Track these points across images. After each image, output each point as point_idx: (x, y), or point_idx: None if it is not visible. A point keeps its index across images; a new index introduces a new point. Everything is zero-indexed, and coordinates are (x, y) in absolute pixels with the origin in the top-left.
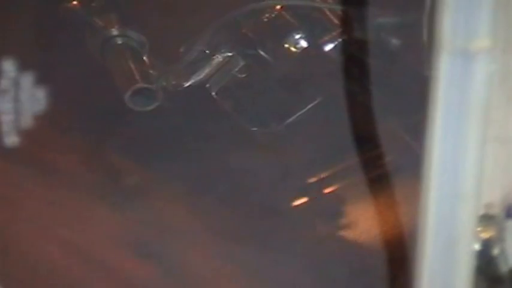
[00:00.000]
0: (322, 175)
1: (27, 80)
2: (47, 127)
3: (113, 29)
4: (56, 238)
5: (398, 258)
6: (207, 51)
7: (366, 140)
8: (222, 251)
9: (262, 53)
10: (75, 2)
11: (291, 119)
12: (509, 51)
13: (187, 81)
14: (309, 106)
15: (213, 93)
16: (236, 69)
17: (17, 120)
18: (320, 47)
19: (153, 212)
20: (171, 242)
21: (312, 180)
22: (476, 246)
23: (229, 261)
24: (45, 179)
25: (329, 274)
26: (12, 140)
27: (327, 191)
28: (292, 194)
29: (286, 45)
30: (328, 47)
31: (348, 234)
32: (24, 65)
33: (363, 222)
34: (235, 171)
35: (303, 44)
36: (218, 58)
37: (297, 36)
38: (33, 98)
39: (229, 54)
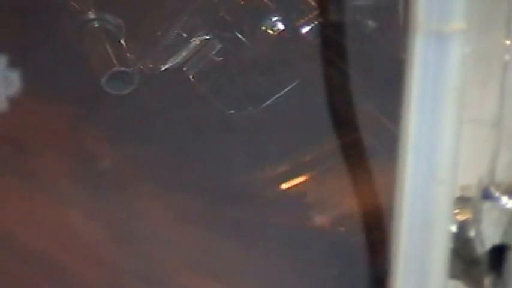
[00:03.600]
0: (299, 159)
1: (0, 62)
2: (21, 109)
3: (89, 13)
4: (25, 215)
5: (377, 240)
6: (184, 35)
7: (343, 123)
8: (193, 235)
9: (239, 35)
10: None
11: (268, 102)
12: (484, 32)
13: (164, 64)
14: (286, 89)
15: (190, 77)
16: (213, 52)
17: None
18: (297, 30)
19: (126, 196)
20: (142, 227)
21: (289, 163)
22: (453, 228)
23: (199, 247)
24: (19, 159)
25: (306, 257)
26: None
27: (303, 174)
28: (268, 178)
29: (263, 28)
30: (305, 29)
31: (325, 216)
32: None
33: (341, 205)
34: (211, 155)
35: (280, 26)
36: (195, 41)
37: (274, 19)
38: (7, 81)
39: (207, 37)
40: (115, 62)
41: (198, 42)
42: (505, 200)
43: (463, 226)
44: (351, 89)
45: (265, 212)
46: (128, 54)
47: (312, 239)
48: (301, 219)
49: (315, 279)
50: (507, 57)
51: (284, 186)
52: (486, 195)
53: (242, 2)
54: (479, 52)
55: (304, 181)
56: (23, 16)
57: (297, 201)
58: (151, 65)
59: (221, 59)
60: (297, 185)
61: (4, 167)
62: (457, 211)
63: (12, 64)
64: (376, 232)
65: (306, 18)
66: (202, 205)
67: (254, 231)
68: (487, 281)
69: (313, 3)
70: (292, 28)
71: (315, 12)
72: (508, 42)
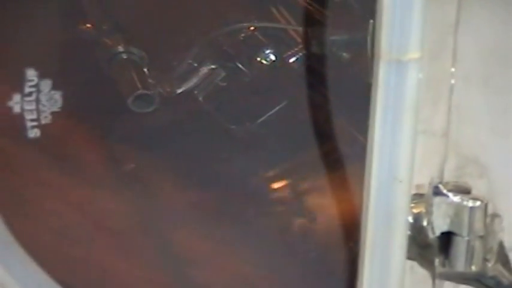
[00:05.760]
0: (287, 164)
1: (46, 85)
2: (63, 123)
3: (119, 47)
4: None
5: (350, 229)
6: (195, 64)
7: (323, 136)
8: (202, 225)
9: (239, 65)
10: (88, 25)
11: (262, 119)
12: (433, 61)
13: (179, 88)
14: (277, 108)
15: (200, 98)
16: (218, 79)
17: (38, 118)
18: (285, 60)
19: (148, 192)
20: (164, 218)
21: (278, 168)
22: (410, 219)
23: (208, 236)
24: (58, 164)
25: (298, 251)
26: (34, 133)
27: (291, 176)
28: (262, 179)
29: (258, 59)
30: (292, 59)
31: (307, 210)
32: (44, 73)
33: (321, 201)
34: (216, 161)
35: (272, 57)
36: (204, 70)
37: (267, 52)
38: (51, 100)
39: (213, 66)
40: (139, 86)
41: (206, 71)
42: (451, 196)
43: (417, 217)
44: (329, 108)
45: (260, 207)
46: (150, 80)
47: (302, 235)
48: (288, 213)
49: (295, 262)
50: (452, 81)
51: (275, 186)
52: (436, 192)
53: (241, 38)
54: (430, 77)
55: (292, 182)
56: (65, 48)
57: (285, 198)
58: (168, 89)
59: (225, 84)
60: (285, 185)
61: (46, 171)
62: (412, 205)
63: (56, 87)
64: (349, 222)
65: (293, 51)
66: (207, 201)
67: (250, 222)
68: (437, 261)
69: (298, 39)
70: (281, 59)
71: (300, 46)
72: (453, 69)
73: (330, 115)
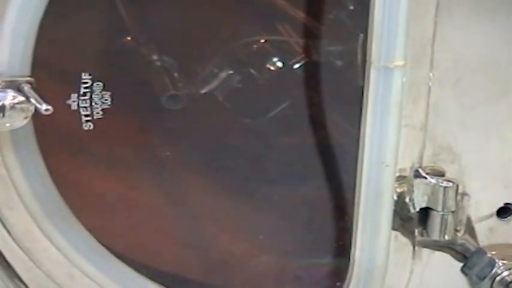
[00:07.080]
0: (293, 151)
1: (98, 86)
2: (112, 117)
3: (154, 56)
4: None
5: (347, 207)
6: (215, 70)
7: (320, 129)
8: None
9: (252, 71)
10: (129, 38)
11: (271, 114)
12: (414, 67)
13: (203, 89)
14: (282, 106)
15: (220, 98)
16: (235, 82)
17: (92, 113)
18: (290, 67)
19: (177, 169)
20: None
21: (286, 153)
22: (394, 197)
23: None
24: (107, 151)
25: (301, 222)
26: (88, 126)
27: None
28: (271, 163)
29: (268, 66)
30: (295, 66)
31: (305, 182)
32: (96, 77)
33: (321, 184)
34: (234, 150)
35: (279, 64)
36: (223, 75)
37: (275, 60)
38: (103, 99)
39: (230, 72)
40: (170, 87)
41: (224, 75)
42: (428, 178)
43: (401, 195)
44: (325, 106)
45: (269, 183)
46: (179, 83)
47: (298, 200)
48: (290, 187)
49: (298, 231)
50: (430, 84)
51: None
52: (416, 175)
53: (254, 49)
54: (412, 80)
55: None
56: (112, 57)
57: (287, 182)
58: (194, 90)
59: (240, 86)
60: (288, 167)
61: (96, 157)
62: (397, 185)
63: (106, 88)
64: (344, 199)
65: (296, 59)
66: (227, 178)
67: (263, 196)
68: (417, 231)
69: (300, 50)
70: (286, 66)
71: (302, 55)
72: (431, 74)
73: (326, 111)
